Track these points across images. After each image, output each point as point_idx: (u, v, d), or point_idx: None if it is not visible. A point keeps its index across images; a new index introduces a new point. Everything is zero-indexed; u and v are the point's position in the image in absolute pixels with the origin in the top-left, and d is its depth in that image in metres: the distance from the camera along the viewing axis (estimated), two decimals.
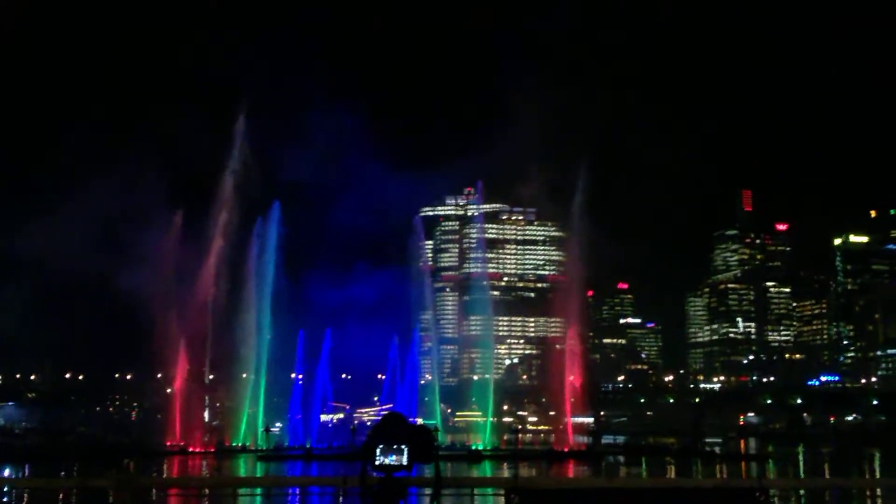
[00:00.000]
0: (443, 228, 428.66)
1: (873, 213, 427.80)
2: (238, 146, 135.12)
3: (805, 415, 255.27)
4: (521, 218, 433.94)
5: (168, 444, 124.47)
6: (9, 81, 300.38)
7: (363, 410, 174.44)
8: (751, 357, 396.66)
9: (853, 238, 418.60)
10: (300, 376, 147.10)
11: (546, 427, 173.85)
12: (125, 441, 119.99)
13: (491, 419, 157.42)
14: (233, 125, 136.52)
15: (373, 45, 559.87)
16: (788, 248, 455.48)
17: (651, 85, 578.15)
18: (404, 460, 6.23)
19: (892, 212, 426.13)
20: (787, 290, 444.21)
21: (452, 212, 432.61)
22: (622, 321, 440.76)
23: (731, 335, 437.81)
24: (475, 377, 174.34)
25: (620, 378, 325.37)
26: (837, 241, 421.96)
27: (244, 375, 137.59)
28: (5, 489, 50.97)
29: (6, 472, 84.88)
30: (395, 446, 6.26)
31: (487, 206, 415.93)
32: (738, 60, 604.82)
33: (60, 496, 44.66)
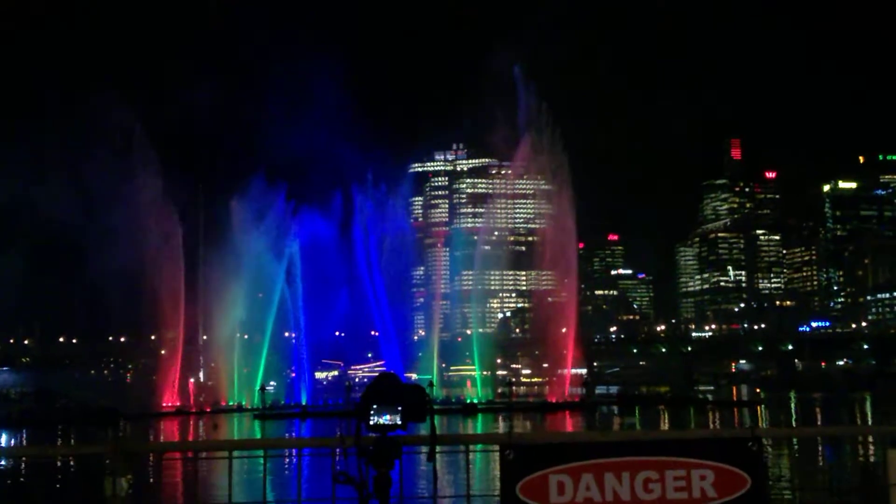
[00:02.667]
0: (432, 184, 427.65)
1: (861, 159, 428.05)
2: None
3: (796, 361, 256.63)
4: (510, 172, 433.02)
5: (163, 405, 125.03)
6: None
7: (357, 368, 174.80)
8: (741, 305, 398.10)
9: (842, 184, 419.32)
10: (293, 334, 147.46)
11: (539, 379, 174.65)
12: (120, 404, 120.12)
13: (484, 373, 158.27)
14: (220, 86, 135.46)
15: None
16: (777, 196, 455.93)
17: (635, 33, 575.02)
18: (398, 420, 6.22)
19: (880, 157, 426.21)
20: (777, 237, 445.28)
21: (442, 167, 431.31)
22: (613, 272, 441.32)
23: (722, 284, 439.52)
24: (468, 332, 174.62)
25: (613, 329, 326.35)
26: (826, 188, 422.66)
27: (238, 335, 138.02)
28: (2, 460, 51.23)
29: (2, 438, 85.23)
30: (389, 406, 6.24)
31: (476, 160, 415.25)
32: (723, 5, 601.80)
33: (58, 463, 44.87)
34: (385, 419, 6.34)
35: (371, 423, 6.35)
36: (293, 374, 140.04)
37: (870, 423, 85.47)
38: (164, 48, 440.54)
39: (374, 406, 6.37)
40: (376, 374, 6.99)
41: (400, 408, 6.34)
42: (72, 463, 43.82)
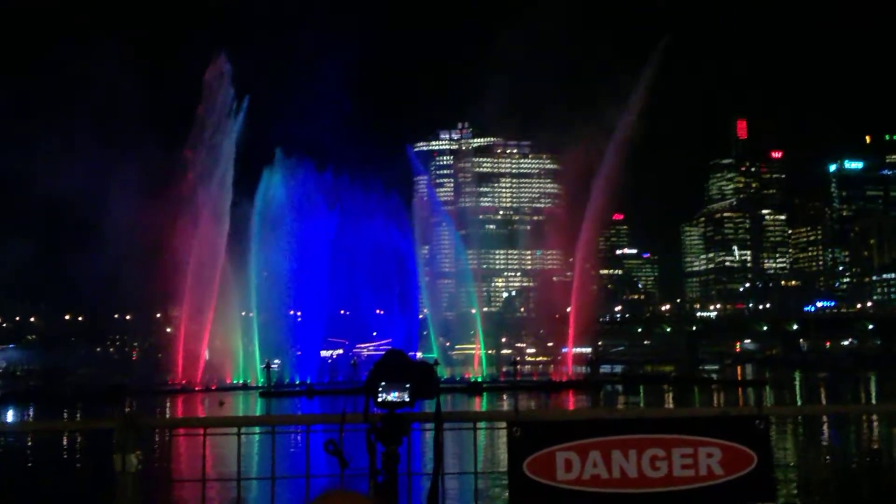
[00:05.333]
0: (437, 163, 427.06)
1: (868, 139, 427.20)
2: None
3: (801, 340, 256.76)
4: (515, 151, 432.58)
5: (169, 382, 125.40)
6: None
7: (362, 346, 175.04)
8: (747, 285, 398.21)
9: (848, 164, 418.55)
10: (298, 313, 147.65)
11: (544, 358, 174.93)
12: (126, 381, 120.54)
13: (489, 351, 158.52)
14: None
15: None
16: (783, 176, 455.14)
17: (639, 12, 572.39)
18: (406, 397, 6.24)
19: (886, 137, 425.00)
20: (783, 217, 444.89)
21: (447, 146, 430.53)
22: (618, 252, 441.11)
23: (727, 263, 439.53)
24: (472, 311, 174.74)
25: (617, 308, 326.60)
26: (832, 168, 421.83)
27: (243, 313, 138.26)
28: (10, 433, 51.47)
29: (9, 414, 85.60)
30: (397, 383, 6.26)
31: (482, 139, 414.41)
32: None
33: (65, 439, 45.11)
34: (393, 396, 6.36)
35: (379, 399, 6.38)
36: (299, 353, 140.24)
37: (874, 402, 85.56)
38: (172, 19, 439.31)
39: (382, 383, 6.40)
40: (382, 352, 7.00)
41: (408, 385, 6.37)
42: (79, 439, 44.05)
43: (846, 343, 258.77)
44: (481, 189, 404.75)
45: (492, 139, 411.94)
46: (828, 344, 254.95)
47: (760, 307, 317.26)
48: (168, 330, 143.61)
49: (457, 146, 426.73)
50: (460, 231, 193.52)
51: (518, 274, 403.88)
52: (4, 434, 47.20)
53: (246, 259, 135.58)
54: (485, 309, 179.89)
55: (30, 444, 45.65)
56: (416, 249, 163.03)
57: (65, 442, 45.05)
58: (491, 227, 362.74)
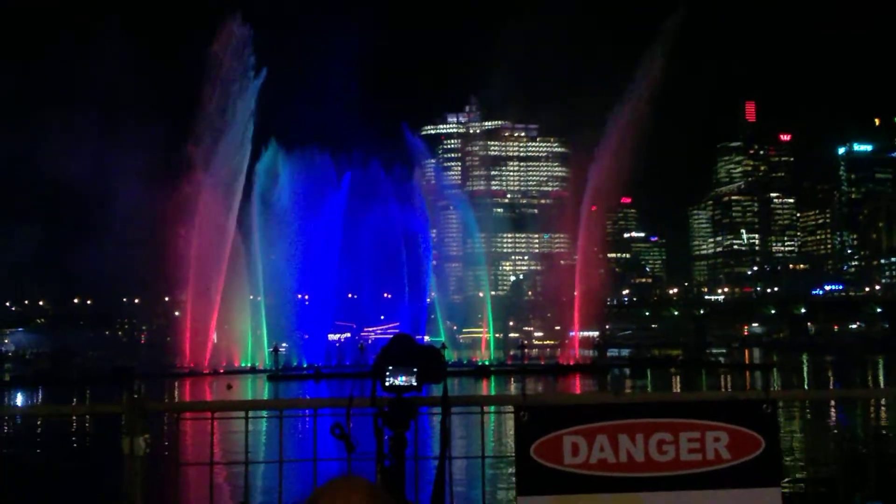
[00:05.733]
0: (445, 147, 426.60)
1: (877, 121, 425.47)
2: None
3: (809, 324, 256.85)
4: (523, 135, 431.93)
5: (177, 365, 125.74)
6: None
7: (369, 329, 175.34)
8: (755, 268, 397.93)
9: (857, 147, 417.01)
10: (306, 296, 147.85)
11: (552, 342, 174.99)
12: (134, 364, 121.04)
13: (496, 335, 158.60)
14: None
15: None
16: (792, 159, 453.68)
17: None
18: (414, 381, 6.24)
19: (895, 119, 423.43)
20: (791, 200, 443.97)
21: (454, 130, 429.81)
22: (626, 235, 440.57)
23: (735, 247, 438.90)
24: (480, 294, 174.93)
25: (625, 292, 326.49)
26: (841, 150, 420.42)
27: (251, 297, 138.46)
28: (18, 416, 51.74)
29: (18, 397, 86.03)
30: (404, 367, 6.27)
31: (489, 122, 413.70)
32: None
33: (73, 422, 45.28)
34: (400, 380, 6.37)
35: (386, 384, 6.38)
36: (306, 336, 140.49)
37: (882, 385, 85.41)
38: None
39: (390, 367, 6.40)
40: (389, 335, 7.01)
41: (415, 369, 6.37)
42: (87, 423, 44.22)
43: (854, 326, 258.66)
44: (489, 172, 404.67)
45: (499, 122, 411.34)
46: (836, 327, 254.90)
47: (768, 290, 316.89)
48: (176, 314, 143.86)
49: (464, 129, 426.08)
50: (468, 214, 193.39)
51: (526, 257, 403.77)
52: (13, 417, 47.38)
53: (253, 242, 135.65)
54: (492, 293, 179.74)
55: (39, 428, 45.87)
56: (427, 232, 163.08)
57: (73, 426, 45.24)
58: (498, 210, 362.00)
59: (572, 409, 6.71)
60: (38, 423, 45.59)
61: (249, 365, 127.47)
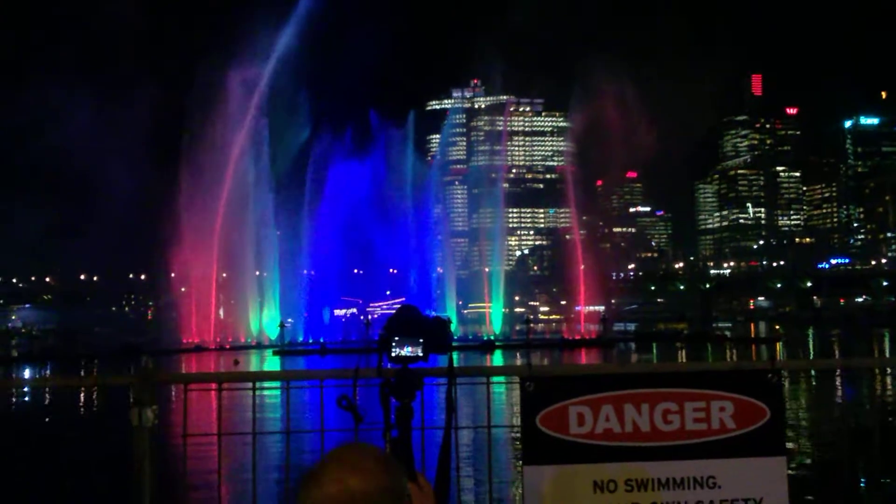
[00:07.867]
0: (450, 122, 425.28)
1: (884, 95, 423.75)
2: None
3: (815, 298, 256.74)
4: (528, 109, 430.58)
5: (184, 341, 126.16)
6: None
7: (375, 305, 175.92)
8: (760, 242, 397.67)
9: (863, 120, 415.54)
10: (311, 272, 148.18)
11: (557, 316, 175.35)
12: (141, 340, 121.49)
13: (503, 310, 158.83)
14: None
15: None
16: (798, 133, 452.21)
17: None
18: (420, 352, 6.25)
19: None
20: (797, 174, 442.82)
21: (459, 105, 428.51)
22: (632, 210, 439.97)
23: (741, 221, 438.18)
24: (486, 269, 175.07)
25: (631, 266, 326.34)
26: (847, 124, 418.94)
27: (257, 273, 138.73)
28: (27, 389, 51.98)
29: (27, 372, 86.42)
30: (410, 338, 6.27)
31: (494, 97, 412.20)
32: None
33: (81, 394, 45.52)
34: (407, 351, 6.38)
35: (393, 354, 6.40)
36: (305, 315, 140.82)
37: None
38: None
39: (396, 338, 6.41)
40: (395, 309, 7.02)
41: (421, 340, 6.38)
42: (94, 398, 44.42)
43: (860, 300, 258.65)
44: (494, 147, 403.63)
45: (504, 97, 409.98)
46: (842, 301, 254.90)
47: (774, 264, 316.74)
48: (182, 290, 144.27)
49: (469, 104, 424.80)
50: (473, 190, 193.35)
51: (531, 232, 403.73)
52: (23, 389, 47.67)
53: (260, 218, 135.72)
54: (498, 268, 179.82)
55: (47, 399, 46.15)
56: (431, 208, 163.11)
57: (81, 398, 45.46)
58: (504, 185, 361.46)
59: (578, 380, 6.73)
60: (47, 396, 45.86)
61: (254, 340, 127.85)
